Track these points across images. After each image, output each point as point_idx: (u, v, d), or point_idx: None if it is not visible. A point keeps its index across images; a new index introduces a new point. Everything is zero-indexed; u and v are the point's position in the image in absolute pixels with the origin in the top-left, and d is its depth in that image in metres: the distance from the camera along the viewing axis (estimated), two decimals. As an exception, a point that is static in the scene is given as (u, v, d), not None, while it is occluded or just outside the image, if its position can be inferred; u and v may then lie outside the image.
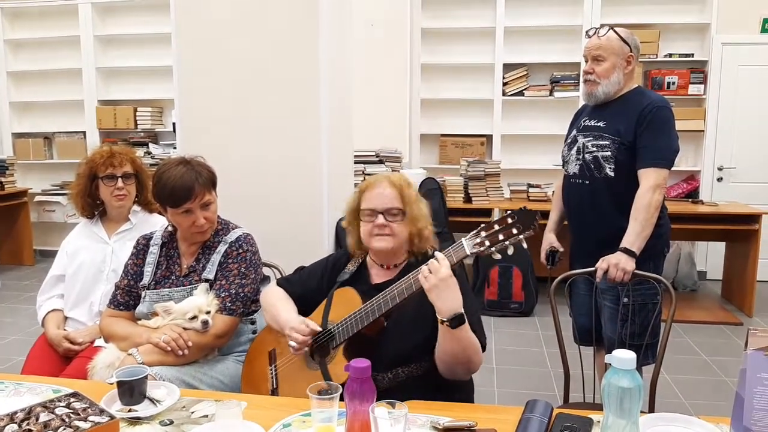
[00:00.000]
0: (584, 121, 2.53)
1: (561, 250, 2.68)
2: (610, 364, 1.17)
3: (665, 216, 2.47)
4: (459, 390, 1.75)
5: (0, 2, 6.16)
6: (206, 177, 2.00)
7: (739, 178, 5.55)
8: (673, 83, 5.48)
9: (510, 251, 1.54)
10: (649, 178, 2.32)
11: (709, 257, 5.64)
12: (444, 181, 5.06)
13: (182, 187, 1.94)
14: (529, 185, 5.18)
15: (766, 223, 4.54)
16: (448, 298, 1.54)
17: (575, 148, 2.51)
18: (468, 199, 5.12)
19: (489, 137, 5.81)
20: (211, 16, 2.84)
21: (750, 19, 5.41)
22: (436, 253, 1.58)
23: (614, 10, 5.49)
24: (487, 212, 5.01)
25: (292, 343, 1.73)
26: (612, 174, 2.39)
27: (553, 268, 2.66)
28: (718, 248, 5.31)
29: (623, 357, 1.15)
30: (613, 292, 2.38)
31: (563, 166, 2.62)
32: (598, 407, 1.41)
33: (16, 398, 1.56)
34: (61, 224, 6.17)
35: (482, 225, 1.56)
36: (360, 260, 1.90)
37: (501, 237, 1.52)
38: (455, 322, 1.54)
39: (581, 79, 2.57)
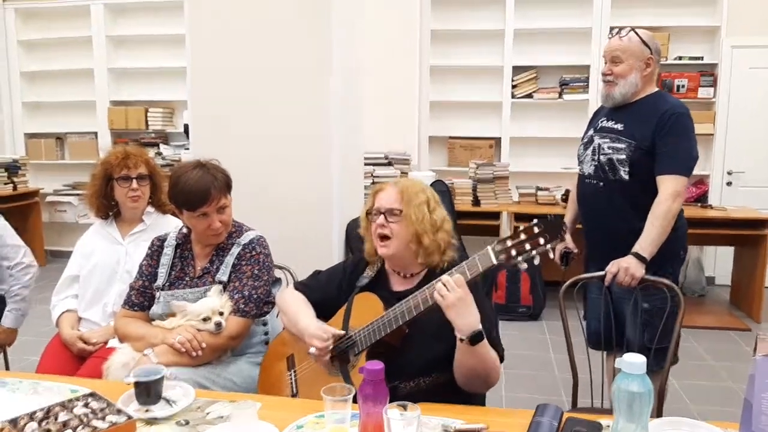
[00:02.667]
0: (601, 122, 2.51)
1: (575, 251, 2.66)
2: (620, 369, 1.18)
3: (682, 217, 2.43)
4: (474, 397, 1.74)
5: (13, 2, 6.22)
6: (222, 181, 2.02)
7: (749, 183, 5.52)
8: (683, 86, 5.47)
9: (536, 261, 1.49)
10: (668, 185, 2.30)
11: (718, 262, 5.62)
12: (452, 183, 5.07)
13: (199, 191, 1.96)
14: (538, 188, 5.12)
15: (775, 228, 4.52)
16: (466, 316, 1.54)
17: (591, 149, 2.49)
18: (476, 202, 5.11)
19: (497, 140, 5.82)
20: (225, 18, 2.87)
21: (760, 22, 5.38)
22: (454, 271, 1.56)
23: (624, 13, 5.48)
24: (496, 215, 5.00)
25: (312, 350, 1.73)
26: (626, 177, 2.37)
27: (566, 269, 2.65)
28: (727, 253, 5.29)
29: (633, 361, 1.16)
30: (632, 297, 2.36)
31: (578, 165, 2.60)
32: (607, 412, 1.42)
33: (35, 397, 1.58)
34: (72, 225, 6.21)
35: (509, 234, 1.53)
36: (379, 265, 1.88)
37: (528, 246, 1.48)
38: (474, 339, 1.54)
39: (599, 80, 2.54)
